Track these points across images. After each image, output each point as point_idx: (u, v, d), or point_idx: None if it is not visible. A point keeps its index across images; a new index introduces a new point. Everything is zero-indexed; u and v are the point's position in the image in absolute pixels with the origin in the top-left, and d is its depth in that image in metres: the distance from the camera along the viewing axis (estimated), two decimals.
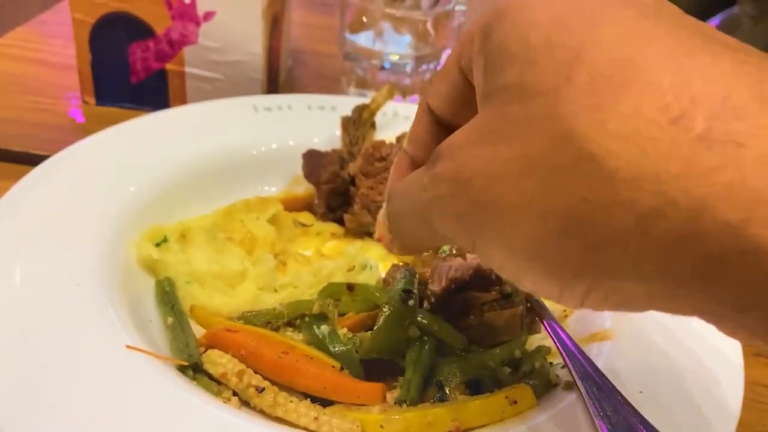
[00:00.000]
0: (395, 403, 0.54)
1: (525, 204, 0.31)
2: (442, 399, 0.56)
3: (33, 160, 0.74)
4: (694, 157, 0.27)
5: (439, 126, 0.46)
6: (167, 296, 0.63)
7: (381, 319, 0.57)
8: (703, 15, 2.91)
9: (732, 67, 0.28)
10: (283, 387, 0.55)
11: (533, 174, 0.31)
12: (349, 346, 0.58)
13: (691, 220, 0.27)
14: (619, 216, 0.29)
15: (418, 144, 0.47)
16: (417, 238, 0.43)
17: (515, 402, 0.53)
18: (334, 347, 0.57)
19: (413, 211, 0.40)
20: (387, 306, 0.57)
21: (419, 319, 0.58)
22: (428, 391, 0.56)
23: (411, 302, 0.57)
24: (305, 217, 0.81)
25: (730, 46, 0.30)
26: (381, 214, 0.48)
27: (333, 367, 0.56)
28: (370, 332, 0.60)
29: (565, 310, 0.67)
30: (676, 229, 0.27)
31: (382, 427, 0.51)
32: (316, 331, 0.59)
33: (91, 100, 0.97)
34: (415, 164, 0.47)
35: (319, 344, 0.58)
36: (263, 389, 0.54)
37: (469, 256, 0.63)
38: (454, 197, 0.35)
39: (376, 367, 0.58)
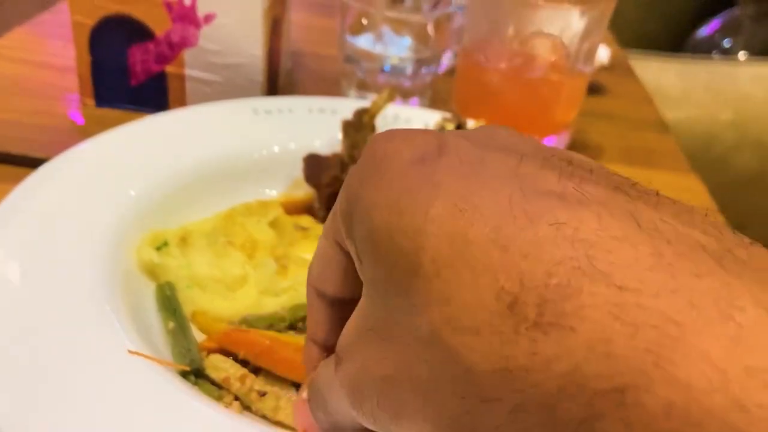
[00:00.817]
0: None
1: (421, 402, 0.30)
2: None
3: (32, 163, 0.74)
4: (534, 347, 0.25)
5: (335, 306, 0.43)
6: (168, 301, 0.62)
7: None
8: (705, 16, 2.93)
9: (554, 232, 0.26)
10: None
11: (418, 371, 0.29)
12: None
13: (550, 417, 0.25)
14: (493, 412, 0.27)
15: (322, 332, 0.44)
16: (344, 425, 0.40)
17: None
18: None
19: (338, 406, 0.38)
20: None
21: None
22: None
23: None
24: (306, 220, 0.80)
25: (562, 196, 0.28)
26: (299, 399, 0.44)
27: None
28: None
29: None
30: (540, 425, 0.25)
31: None
32: None
33: (91, 102, 0.97)
34: (327, 351, 0.44)
35: None
36: (265, 393, 0.54)
37: None
38: (362, 399, 0.34)
39: None
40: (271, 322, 0.62)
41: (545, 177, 0.30)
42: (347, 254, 0.39)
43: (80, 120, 0.95)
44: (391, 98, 0.88)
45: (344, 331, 0.36)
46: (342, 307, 0.43)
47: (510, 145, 0.34)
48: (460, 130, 0.37)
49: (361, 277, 0.35)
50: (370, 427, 0.37)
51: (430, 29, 1.03)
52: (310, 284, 0.44)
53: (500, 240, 0.27)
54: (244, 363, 0.58)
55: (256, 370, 0.58)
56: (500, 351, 0.26)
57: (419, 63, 1.05)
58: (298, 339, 0.60)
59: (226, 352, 0.59)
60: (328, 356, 0.45)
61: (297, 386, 0.56)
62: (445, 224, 0.28)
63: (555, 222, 0.27)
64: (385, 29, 1.03)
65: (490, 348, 0.26)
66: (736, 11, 2.71)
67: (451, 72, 1.19)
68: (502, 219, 0.28)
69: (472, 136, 0.35)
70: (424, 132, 0.34)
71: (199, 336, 0.61)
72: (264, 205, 0.76)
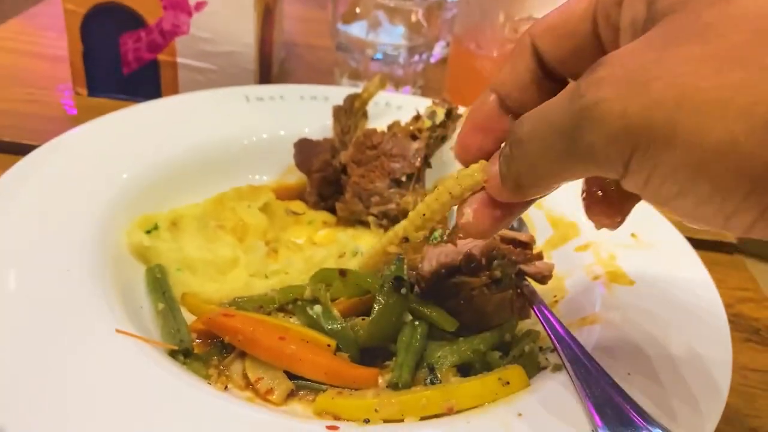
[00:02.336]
0: (387, 386, 0.54)
1: (725, 98, 0.29)
2: (433, 382, 0.56)
3: (26, 151, 0.74)
4: None
5: (541, 70, 0.44)
6: (158, 283, 0.63)
7: (375, 311, 0.58)
8: None
9: None
10: None
11: (738, 68, 0.29)
12: (343, 324, 0.58)
13: None
14: None
15: (514, 84, 0.45)
16: (545, 166, 0.39)
17: (507, 383, 0.53)
18: (329, 325, 0.58)
19: (555, 127, 0.36)
20: (380, 297, 0.58)
21: (412, 305, 0.59)
22: (419, 373, 0.57)
23: (403, 290, 0.57)
24: (297, 205, 0.81)
25: None
26: (496, 155, 0.44)
27: (329, 345, 0.57)
28: (362, 318, 0.60)
29: (555, 296, 0.68)
30: None
31: (376, 411, 0.51)
32: (310, 311, 0.59)
33: (83, 91, 0.97)
34: (505, 107, 0.45)
35: (314, 324, 0.59)
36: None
37: (460, 242, 0.63)
38: (622, 99, 0.32)
39: (367, 351, 0.58)
40: (260, 304, 0.62)
41: None
42: (594, 35, 0.40)
43: (72, 109, 0.95)
44: (382, 85, 0.88)
45: (609, 54, 0.34)
46: (541, 74, 0.43)
47: None
48: None
49: (643, 20, 0.35)
50: (605, 151, 0.33)
51: (422, 17, 1.03)
52: (529, 33, 0.44)
53: None
54: (230, 347, 0.58)
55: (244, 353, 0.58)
56: None
57: (412, 51, 1.05)
58: (285, 322, 0.60)
59: (213, 335, 0.59)
60: (497, 114, 0.45)
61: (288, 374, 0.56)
62: None
63: None
64: (378, 17, 1.03)
65: None
66: None
67: (443, 61, 1.19)
68: None
69: None
70: None
71: (189, 319, 0.61)
72: (255, 190, 0.77)
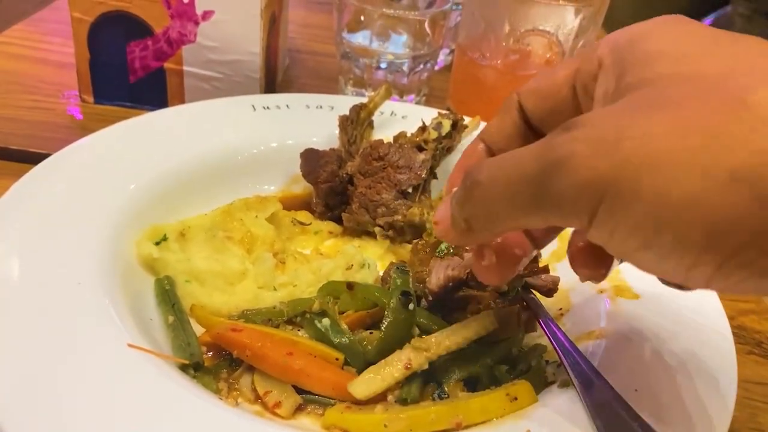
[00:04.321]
0: (396, 401, 0.55)
1: (687, 160, 0.32)
2: (441, 396, 0.56)
3: (32, 158, 0.75)
4: None
5: (525, 125, 0.50)
6: (167, 295, 0.63)
7: (384, 327, 0.58)
8: (697, 14, 2.93)
9: None
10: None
11: (698, 135, 0.33)
12: (351, 338, 0.59)
13: None
14: None
15: (501, 135, 0.51)
16: (504, 211, 0.40)
17: (515, 398, 0.53)
18: (337, 339, 0.59)
19: (524, 174, 0.38)
20: (388, 312, 0.58)
21: (419, 319, 0.59)
22: (427, 388, 0.57)
23: (411, 306, 0.58)
24: (303, 215, 0.81)
25: None
26: (448, 197, 0.46)
27: (337, 359, 0.57)
28: (370, 332, 0.60)
29: (560, 309, 0.68)
30: None
31: (386, 426, 0.51)
32: (318, 324, 0.59)
33: (90, 99, 0.98)
34: (492, 155, 0.51)
35: (322, 337, 0.59)
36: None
37: (466, 254, 0.64)
38: (593, 155, 0.35)
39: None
40: (269, 317, 0.62)
41: None
42: (573, 97, 0.47)
43: (79, 116, 0.95)
44: (387, 94, 0.88)
45: (581, 116, 0.38)
46: (526, 129, 0.50)
47: None
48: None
49: (612, 91, 0.40)
50: (567, 205, 0.36)
51: (426, 26, 1.03)
52: (516, 92, 0.51)
53: None
54: (240, 360, 0.58)
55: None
56: None
57: (416, 60, 1.05)
58: (294, 335, 0.60)
59: (223, 348, 0.59)
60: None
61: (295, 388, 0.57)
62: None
63: None
64: (382, 26, 1.03)
65: None
66: (728, 10, 2.71)
67: (447, 69, 1.20)
68: None
69: None
70: None
71: (198, 330, 0.62)
72: (262, 201, 0.77)
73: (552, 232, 0.50)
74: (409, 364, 0.53)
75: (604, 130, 0.35)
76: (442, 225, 0.45)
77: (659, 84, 0.37)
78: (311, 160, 0.81)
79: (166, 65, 0.95)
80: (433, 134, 0.81)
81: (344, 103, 0.89)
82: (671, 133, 0.33)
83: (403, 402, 0.54)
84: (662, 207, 0.33)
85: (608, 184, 0.34)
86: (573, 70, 0.46)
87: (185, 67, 0.95)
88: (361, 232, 0.80)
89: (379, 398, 0.55)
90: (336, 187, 0.79)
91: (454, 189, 0.45)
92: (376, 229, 0.78)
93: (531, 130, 0.50)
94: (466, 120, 0.86)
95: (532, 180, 0.37)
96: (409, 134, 0.83)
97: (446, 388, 0.57)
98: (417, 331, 0.59)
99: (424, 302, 0.64)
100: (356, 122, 0.86)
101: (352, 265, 0.69)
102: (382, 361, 0.55)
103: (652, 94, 0.36)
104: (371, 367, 0.55)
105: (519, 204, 0.39)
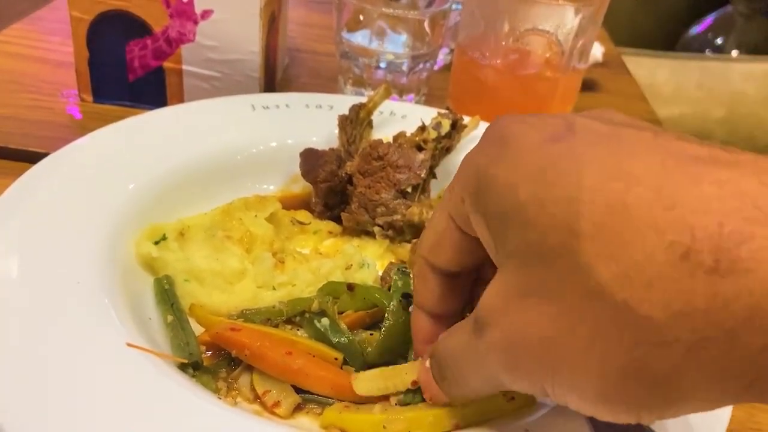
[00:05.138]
0: (396, 403, 0.55)
1: (582, 357, 0.33)
2: None
3: (31, 157, 0.75)
4: (713, 289, 0.29)
5: (447, 278, 0.48)
6: (166, 294, 0.63)
7: (384, 329, 0.58)
8: (697, 14, 2.94)
9: (718, 189, 0.30)
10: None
11: (580, 328, 0.33)
12: (350, 338, 0.59)
13: (731, 348, 0.29)
14: (670, 353, 0.30)
15: (431, 302, 0.49)
16: (477, 391, 0.44)
17: (513, 398, 0.53)
18: (336, 339, 0.59)
19: (477, 373, 0.42)
20: (388, 315, 0.58)
21: None
22: None
23: (411, 308, 0.58)
24: (303, 215, 0.81)
25: (714, 160, 0.32)
26: (422, 370, 0.49)
27: (336, 359, 0.57)
28: (370, 333, 0.60)
29: None
30: (720, 357, 0.29)
31: (384, 427, 0.51)
32: (317, 324, 0.60)
33: (89, 98, 0.98)
34: (434, 318, 0.50)
35: (321, 337, 0.59)
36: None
37: None
38: (517, 361, 0.37)
39: (374, 367, 0.59)
40: (268, 316, 0.62)
41: (686, 146, 0.33)
42: (461, 231, 0.44)
43: (78, 116, 0.95)
44: (387, 94, 0.88)
45: (486, 300, 0.38)
46: (450, 279, 0.48)
47: (632, 122, 0.38)
48: (580, 112, 0.40)
49: (495, 252, 0.38)
50: (521, 389, 0.39)
51: (426, 26, 1.03)
52: (421, 255, 0.49)
53: (664, 200, 0.30)
54: (238, 360, 0.59)
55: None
56: (676, 297, 0.29)
57: (415, 59, 1.05)
58: (293, 335, 0.60)
59: (222, 347, 0.59)
60: (436, 324, 0.50)
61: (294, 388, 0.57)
62: (601, 192, 0.32)
63: (716, 180, 0.30)
64: (382, 26, 1.03)
65: (664, 296, 0.30)
66: (728, 9, 2.72)
67: (446, 68, 1.20)
68: (662, 182, 0.31)
69: (594, 115, 0.38)
70: (549, 115, 0.38)
71: (197, 330, 0.62)
72: (262, 200, 0.77)
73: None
74: (416, 383, 0.53)
75: (508, 333, 0.37)
76: (430, 390, 0.49)
77: (522, 262, 0.36)
78: (310, 159, 0.81)
79: (166, 64, 0.95)
80: (433, 134, 0.81)
81: (344, 102, 0.89)
82: (559, 330, 0.34)
83: (402, 403, 0.54)
84: (583, 398, 0.35)
85: (539, 376, 0.37)
86: (447, 216, 0.45)
87: (184, 66, 0.95)
88: (361, 231, 0.80)
89: (379, 398, 0.55)
90: (335, 187, 0.79)
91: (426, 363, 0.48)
92: (376, 229, 0.78)
93: (458, 276, 0.49)
94: (466, 120, 0.86)
95: (483, 374, 0.42)
96: (408, 134, 0.83)
97: None
98: None
99: None
100: (356, 122, 0.86)
101: (352, 265, 0.69)
102: (392, 368, 0.55)
103: (522, 277, 0.36)
104: (381, 370, 0.55)
105: (483, 386, 0.43)
